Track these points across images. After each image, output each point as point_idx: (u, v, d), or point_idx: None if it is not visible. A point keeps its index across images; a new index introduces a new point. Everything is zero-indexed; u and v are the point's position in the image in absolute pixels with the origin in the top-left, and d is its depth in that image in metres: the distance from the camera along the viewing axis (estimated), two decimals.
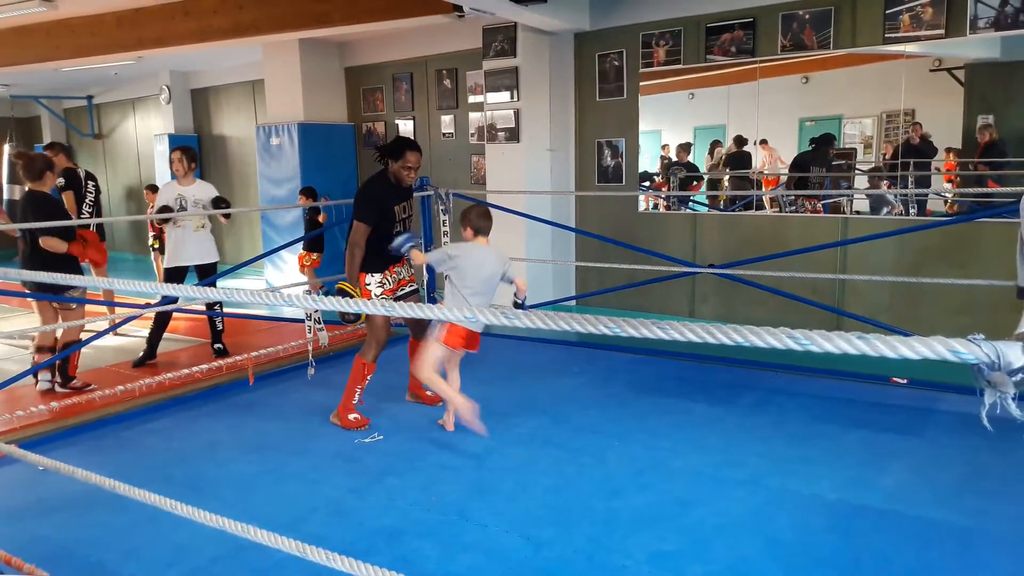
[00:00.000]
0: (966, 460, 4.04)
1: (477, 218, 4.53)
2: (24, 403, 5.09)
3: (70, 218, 5.72)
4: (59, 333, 5.75)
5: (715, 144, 7.86)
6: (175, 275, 6.48)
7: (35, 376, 5.65)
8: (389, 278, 4.96)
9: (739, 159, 7.62)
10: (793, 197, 7.43)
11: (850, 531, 3.33)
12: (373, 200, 4.81)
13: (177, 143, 13.08)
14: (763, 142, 7.40)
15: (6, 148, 14.97)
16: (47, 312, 5.71)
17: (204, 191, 6.56)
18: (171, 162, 6.54)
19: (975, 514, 3.45)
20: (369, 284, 4.90)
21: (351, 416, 4.81)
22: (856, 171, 7.09)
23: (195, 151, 6.81)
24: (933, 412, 4.79)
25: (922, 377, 5.23)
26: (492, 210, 4.80)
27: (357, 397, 4.85)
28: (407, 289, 5.13)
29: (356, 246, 4.76)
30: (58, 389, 5.66)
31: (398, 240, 4.69)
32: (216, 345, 6.69)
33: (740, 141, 7.57)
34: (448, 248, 4.52)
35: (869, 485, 3.77)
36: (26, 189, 5.67)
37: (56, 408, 4.93)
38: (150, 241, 11.33)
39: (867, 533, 3.31)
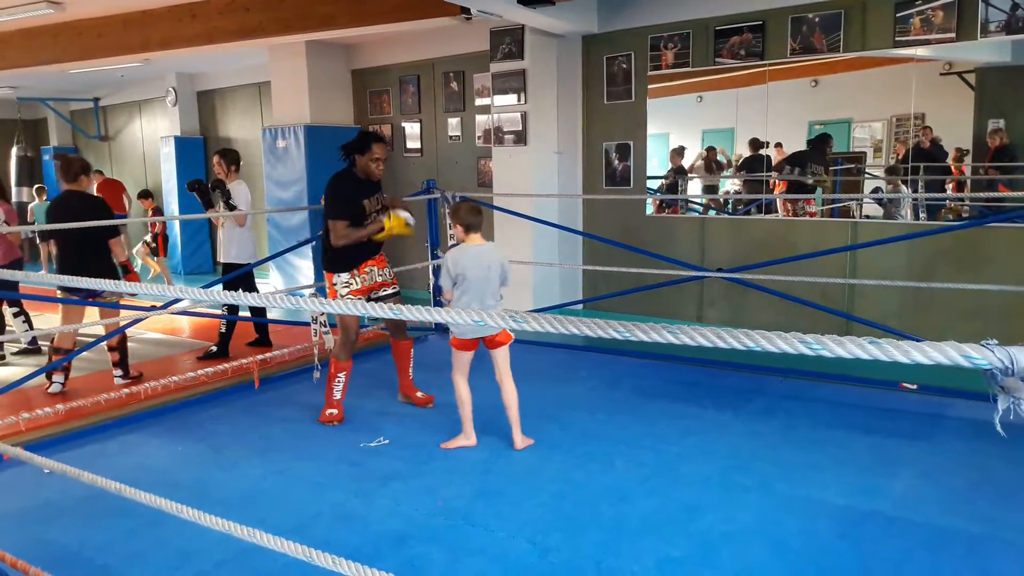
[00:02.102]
0: (976, 466, 4.01)
1: (467, 214, 4.36)
2: (29, 405, 5.08)
3: (113, 215, 5.90)
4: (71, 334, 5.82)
5: (710, 150, 7.84)
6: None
7: (48, 378, 5.68)
8: (358, 278, 4.94)
9: (754, 162, 7.56)
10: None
11: (859, 538, 3.30)
12: (346, 197, 4.85)
13: (183, 145, 13.25)
14: (778, 145, 7.36)
15: (14, 150, 15.05)
16: (72, 314, 5.75)
17: (232, 192, 6.71)
18: (213, 165, 6.89)
19: (985, 521, 3.42)
20: (336, 284, 4.93)
21: (328, 412, 4.93)
22: (866, 174, 7.06)
23: (235, 153, 6.91)
24: (943, 418, 4.76)
25: (931, 383, 5.20)
26: (500, 213, 4.77)
27: (338, 393, 4.94)
28: (388, 291, 5.13)
29: (345, 239, 4.84)
30: (120, 381, 5.82)
31: None
32: (211, 347, 6.70)
33: (756, 144, 7.51)
34: (448, 256, 4.38)
35: (878, 491, 3.74)
36: (64, 190, 5.78)
37: (62, 411, 4.93)
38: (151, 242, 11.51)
39: (876, 540, 3.28)
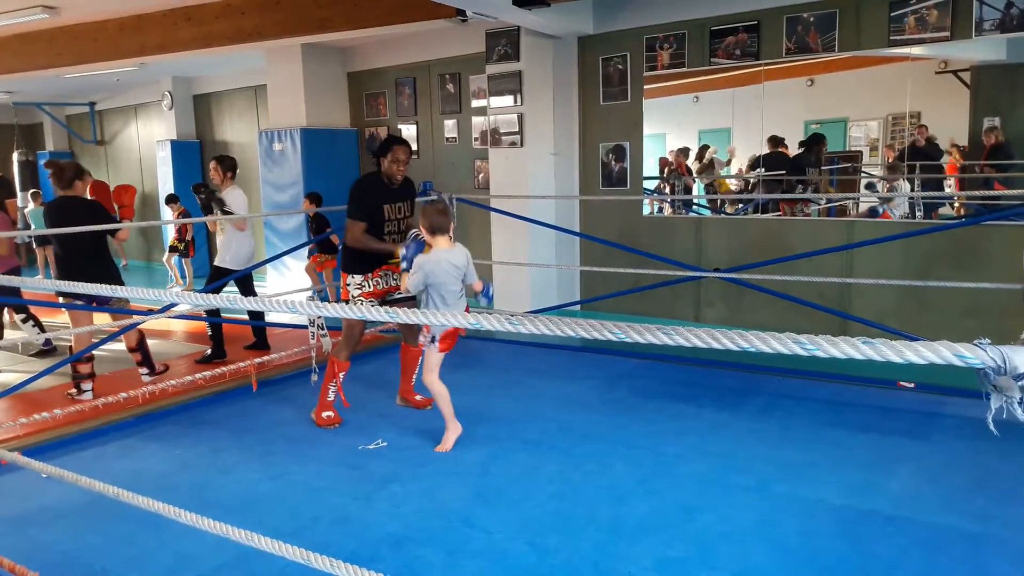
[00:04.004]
0: (974, 464, 4.01)
1: (433, 215, 4.36)
2: (27, 410, 5.08)
3: (111, 218, 5.96)
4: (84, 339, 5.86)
5: (704, 149, 7.84)
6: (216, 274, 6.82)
7: (77, 387, 5.66)
8: (371, 281, 4.93)
9: (774, 160, 7.47)
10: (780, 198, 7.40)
11: (857, 537, 3.31)
12: (362, 198, 4.85)
13: (180, 149, 13.23)
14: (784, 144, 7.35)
15: (15, 155, 15.04)
16: (82, 319, 5.77)
17: (228, 199, 6.71)
18: (210, 171, 6.91)
19: (983, 519, 3.42)
20: (349, 284, 4.91)
21: (324, 414, 4.88)
22: (862, 174, 7.07)
23: (232, 160, 6.89)
24: (940, 416, 4.76)
25: (929, 381, 5.20)
26: (497, 215, 4.78)
27: (332, 395, 4.90)
28: (401, 295, 5.05)
29: (357, 243, 4.82)
30: (148, 379, 5.89)
31: (406, 251, 4.56)
32: (206, 351, 6.69)
33: (776, 141, 7.40)
34: (418, 264, 4.34)
35: (876, 490, 3.75)
36: (58, 196, 5.80)
37: (59, 415, 4.92)
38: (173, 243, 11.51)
39: (874, 539, 3.28)
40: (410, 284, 4.38)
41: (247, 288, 6.83)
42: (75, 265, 5.61)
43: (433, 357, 4.42)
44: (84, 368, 5.67)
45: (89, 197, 5.86)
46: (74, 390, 5.68)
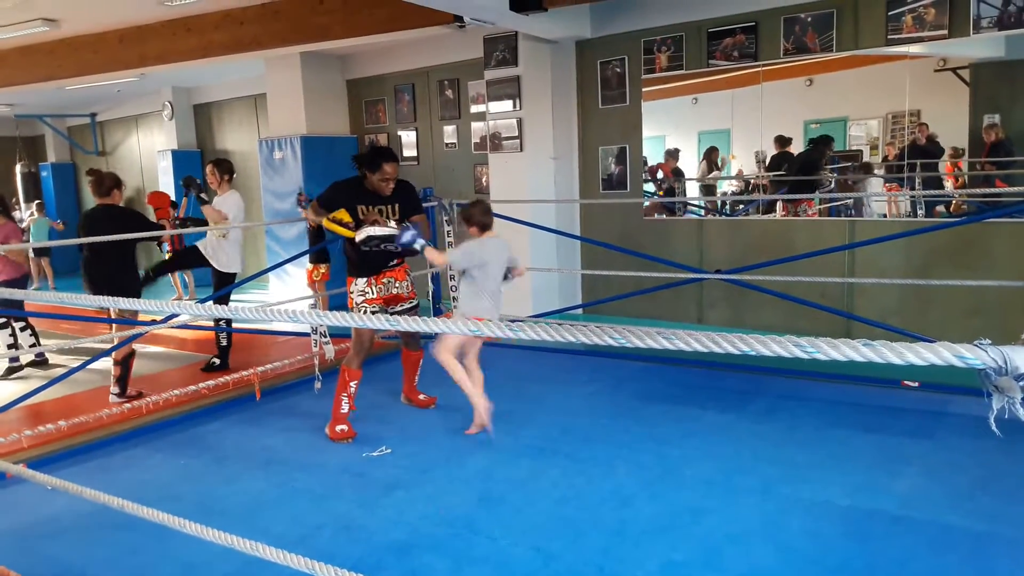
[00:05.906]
0: (979, 463, 4.00)
1: (481, 215, 4.63)
2: (32, 422, 5.08)
3: (147, 226, 6.12)
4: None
5: (711, 151, 7.83)
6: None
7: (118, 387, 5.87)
8: (374, 287, 4.91)
9: (781, 159, 7.46)
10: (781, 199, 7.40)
11: (863, 537, 3.30)
12: (334, 192, 4.89)
13: (180, 159, 13.24)
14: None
15: (18, 167, 15.07)
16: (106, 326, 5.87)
17: (222, 201, 6.65)
18: (207, 175, 6.90)
19: (989, 518, 3.42)
20: (352, 292, 4.90)
21: (338, 428, 4.80)
22: (862, 172, 7.06)
23: (228, 163, 6.84)
24: (945, 415, 4.75)
25: (933, 380, 5.19)
26: (498, 219, 4.84)
27: (345, 406, 4.82)
28: (405, 306, 5.08)
29: (314, 222, 5.03)
30: (115, 400, 5.74)
31: (404, 236, 4.51)
32: (212, 360, 6.67)
33: (783, 141, 7.38)
34: (471, 245, 4.58)
35: (882, 490, 3.74)
36: (96, 204, 5.95)
37: (64, 427, 4.92)
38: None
39: (880, 538, 3.28)
40: (451, 257, 4.70)
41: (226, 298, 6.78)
42: (102, 272, 5.75)
43: (449, 339, 4.59)
44: (118, 372, 5.79)
45: (122, 204, 6.04)
46: (116, 389, 5.84)
